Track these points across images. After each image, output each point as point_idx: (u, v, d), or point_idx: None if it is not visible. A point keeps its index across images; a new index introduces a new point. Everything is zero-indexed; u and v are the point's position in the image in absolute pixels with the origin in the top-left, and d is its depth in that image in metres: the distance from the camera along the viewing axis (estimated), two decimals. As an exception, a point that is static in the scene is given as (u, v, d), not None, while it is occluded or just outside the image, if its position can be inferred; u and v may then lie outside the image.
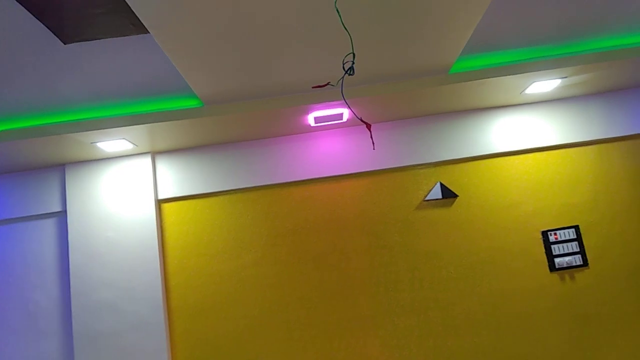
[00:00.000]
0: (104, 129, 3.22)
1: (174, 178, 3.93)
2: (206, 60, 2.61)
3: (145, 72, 2.98)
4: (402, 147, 3.97)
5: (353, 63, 1.82)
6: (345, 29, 1.91)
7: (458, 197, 3.93)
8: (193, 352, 3.70)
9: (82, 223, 3.77)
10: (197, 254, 3.86)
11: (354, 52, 1.89)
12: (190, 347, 3.71)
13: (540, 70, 3.26)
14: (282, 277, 3.83)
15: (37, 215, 3.89)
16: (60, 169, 3.92)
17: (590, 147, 4.01)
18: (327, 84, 1.98)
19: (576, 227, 3.86)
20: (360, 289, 3.81)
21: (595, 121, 3.99)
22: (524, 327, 3.74)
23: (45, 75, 2.87)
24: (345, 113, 3.59)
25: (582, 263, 3.81)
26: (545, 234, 3.86)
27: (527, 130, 3.98)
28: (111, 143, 3.51)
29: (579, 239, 3.85)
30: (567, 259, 3.81)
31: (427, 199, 3.90)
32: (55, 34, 2.52)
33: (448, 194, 3.89)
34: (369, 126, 1.92)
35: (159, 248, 3.76)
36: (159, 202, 3.93)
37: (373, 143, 2.10)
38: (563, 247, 3.84)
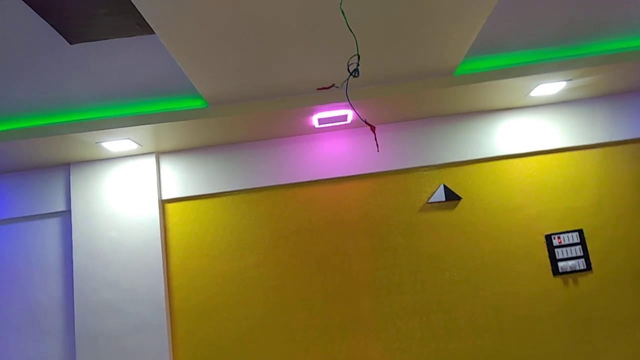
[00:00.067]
0: (108, 129, 3.23)
1: (178, 178, 3.94)
2: (211, 61, 2.62)
3: (150, 73, 2.99)
4: (406, 149, 3.96)
5: (358, 65, 1.82)
6: (350, 30, 1.91)
7: (461, 200, 3.92)
8: (195, 353, 3.70)
9: (86, 223, 3.78)
10: (200, 254, 3.86)
11: (359, 53, 1.89)
12: (192, 348, 3.71)
13: (545, 73, 3.25)
14: (285, 279, 3.83)
15: (41, 214, 3.90)
16: (64, 168, 3.93)
17: (594, 150, 4.00)
18: (332, 85, 1.98)
19: (580, 231, 3.85)
20: (362, 291, 3.80)
21: (600, 124, 3.97)
22: (526, 331, 3.72)
23: (51, 75, 2.88)
24: (350, 114, 3.59)
25: (585, 267, 3.79)
26: (548, 237, 3.84)
27: (531, 133, 3.97)
28: (116, 143, 3.52)
29: (582, 242, 3.83)
30: (570, 262, 3.80)
31: (430, 201, 3.90)
32: (61, 34, 2.53)
33: (451, 197, 3.89)
34: (373, 128, 1.91)
35: (162, 248, 3.76)
36: (163, 202, 3.93)
37: (377, 145, 2.09)
38: (567, 251, 3.82)
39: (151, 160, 3.89)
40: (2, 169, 3.82)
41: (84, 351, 3.58)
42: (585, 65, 3.25)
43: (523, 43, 3.17)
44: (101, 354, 3.57)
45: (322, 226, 3.91)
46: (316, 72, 2.94)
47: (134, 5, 2.17)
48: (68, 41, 2.61)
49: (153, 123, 3.26)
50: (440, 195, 3.89)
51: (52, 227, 3.89)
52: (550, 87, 3.55)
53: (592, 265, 3.80)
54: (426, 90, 3.31)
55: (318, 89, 2.08)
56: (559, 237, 3.84)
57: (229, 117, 3.31)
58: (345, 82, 1.96)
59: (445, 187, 3.91)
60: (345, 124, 3.85)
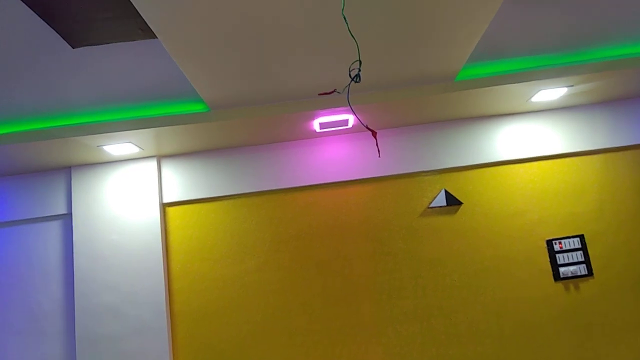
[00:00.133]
0: (110, 132, 3.23)
1: (179, 182, 3.94)
2: (213, 66, 2.63)
3: (152, 77, 3.00)
4: (407, 154, 3.97)
5: (359, 70, 1.82)
6: (352, 36, 1.91)
7: (462, 205, 3.92)
8: (195, 356, 3.70)
9: (87, 226, 3.78)
10: (200, 258, 3.86)
11: (360, 59, 1.90)
12: (192, 352, 3.70)
13: (546, 79, 3.26)
14: (285, 283, 3.82)
15: (43, 217, 3.90)
16: (66, 171, 3.94)
17: (595, 156, 4.00)
18: (333, 91, 1.98)
19: (581, 237, 3.85)
20: (363, 296, 3.79)
21: (601, 130, 3.97)
22: (527, 337, 3.71)
23: (53, 78, 2.89)
24: (351, 119, 3.59)
25: (587, 273, 3.78)
26: (550, 243, 3.84)
27: (532, 139, 3.97)
28: (117, 146, 3.52)
29: (584, 248, 3.83)
30: (571, 268, 3.79)
31: (431, 206, 3.90)
32: (63, 38, 2.54)
33: (452, 202, 3.88)
34: (374, 134, 1.91)
35: (162, 252, 3.76)
36: (164, 206, 3.94)
37: (379, 151, 2.09)
38: (568, 256, 3.82)
39: (152, 164, 3.89)
40: (3, 171, 3.82)
41: (85, 354, 3.57)
42: (586, 71, 3.26)
43: (524, 49, 3.17)
44: (101, 357, 3.57)
45: (322, 230, 3.91)
46: (317, 77, 2.94)
47: (137, 10, 2.18)
48: (70, 45, 2.62)
49: (154, 127, 3.26)
50: (441, 200, 3.89)
51: (53, 230, 3.89)
52: (552, 93, 3.55)
53: (594, 271, 3.80)
54: (427, 96, 3.31)
55: (319, 94, 2.08)
56: (560, 243, 3.84)
57: (230, 121, 3.31)
58: (347, 88, 1.96)
59: (446, 192, 3.91)
60: (346, 129, 3.86)
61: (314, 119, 3.51)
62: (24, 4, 2.23)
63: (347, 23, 1.90)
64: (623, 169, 3.97)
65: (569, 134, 3.98)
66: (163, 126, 3.26)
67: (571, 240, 3.84)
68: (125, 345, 3.58)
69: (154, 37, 2.63)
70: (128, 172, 3.87)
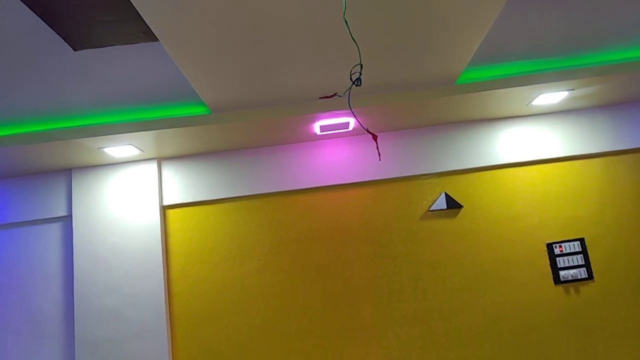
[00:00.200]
0: (111, 134, 3.23)
1: (179, 184, 3.94)
2: (214, 69, 2.63)
3: (153, 79, 3.00)
4: (408, 157, 3.97)
5: (360, 74, 1.82)
6: (354, 39, 1.92)
7: (463, 208, 3.92)
8: (195, 359, 3.69)
9: (87, 228, 3.78)
10: (200, 260, 3.86)
11: (362, 62, 1.90)
12: (192, 354, 3.70)
13: (547, 82, 3.26)
14: (285, 286, 3.82)
15: (43, 219, 3.90)
16: (66, 173, 3.93)
17: (596, 159, 4.00)
18: (334, 94, 1.98)
19: (581, 240, 3.85)
20: (363, 299, 3.79)
21: (602, 134, 3.98)
22: (527, 340, 3.71)
23: (55, 80, 2.89)
24: (352, 122, 3.60)
25: (587, 276, 3.78)
26: (550, 246, 3.84)
27: (533, 142, 3.97)
28: (118, 149, 3.52)
29: (584, 251, 3.83)
30: (572, 271, 3.79)
31: (431, 209, 3.90)
32: (65, 40, 2.55)
33: (453, 205, 3.88)
34: (375, 137, 1.91)
35: (162, 254, 3.76)
36: (164, 208, 3.94)
37: (379, 154, 2.09)
38: (568, 259, 3.81)
39: (153, 166, 3.89)
40: (4, 173, 3.82)
41: (84, 356, 3.57)
42: (587, 75, 3.26)
43: (525, 52, 3.18)
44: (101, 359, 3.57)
45: (322, 233, 3.91)
46: (318, 80, 2.94)
47: (139, 13, 2.19)
48: (72, 47, 2.62)
49: (155, 129, 3.26)
50: (441, 203, 3.89)
51: (54, 232, 3.89)
52: (552, 96, 3.55)
53: (594, 274, 3.80)
54: (428, 99, 3.31)
55: (320, 98, 2.08)
56: (560, 246, 3.84)
57: (231, 123, 3.31)
58: (348, 91, 1.96)
59: (446, 195, 3.91)
60: (347, 132, 3.86)
61: (314, 122, 3.51)
62: (26, 6, 2.23)
63: (348, 27, 1.90)
64: (623, 172, 3.98)
65: (570, 138, 3.98)
66: (164, 128, 3.26)
67: (571, 243, 3.84)
68: (125, 348, 3.58)
69: (156, 40, 2.63)
70: (128, 174, 3.87)
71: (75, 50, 2.65)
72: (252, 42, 2.38)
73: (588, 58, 3.31)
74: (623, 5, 2.85)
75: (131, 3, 2.11)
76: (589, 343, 3.70)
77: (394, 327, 3.74)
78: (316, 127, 3.63)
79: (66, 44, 2.58)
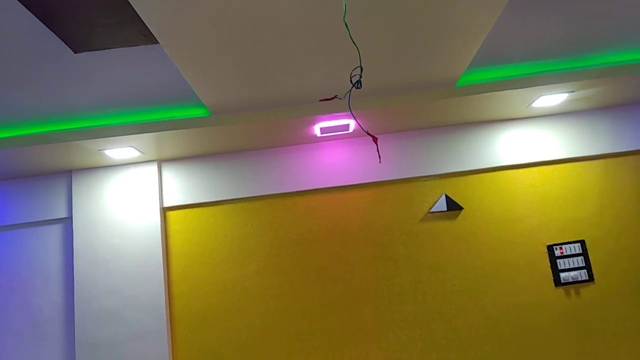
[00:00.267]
0: (111, 136, 3.24)
1: (179, 186, 3.94)
2: (214, 71, 2.63)
3: (153, 82, 3.00)
4: (408, 159, 3.97)
5: (360, 77, 1.82)
6: (354, 42, 1.92)
7: (463, 210, 3.92)
8: (195, 361, 3.70)
9: (87, 230, 3.78)
10: (200, 262, 3.86)
11: (362, 65, 1.90)
12: (192, 356, 3.70)
13: (547, 84, 3.26)
14: (285, 288, 3.82)
15: (43, 221, 3.90)
16: (67, 175, 3.94)
17: (596, 161, 4.00)
18: (334, 97, 1.99)
19: (582, 242, 3.84)
20: (363, 301, 3.79)
21: (602, 136, 3.98)
22: (527, 342, 3.70)
23: (55, 83, 2.90)
24: (352, 124, 3.60)
25: (587, 278, 3.78)
26: (550, 248, 3.84)
27: (533, 144, 3.97)
28: (118, 151, 3.53)
29: (584, 253, 3.82)
30: (572, 273, 3.79)
31: (432, 211, 3.90)
32: (66, 43, 2.55)
33: (453, 207, 3.88)
34: (375, 139, 1.91)
35: (163, 256, 3.76)
36: (164, 210, 3.94)
37: (379, 156, 2.09)
38: (569, 261, 3.81)
39: (153, 168, 3.89)
40: (5, 175, 3.83)
41: (84, 358, 3.57)
42: (587, 77, 3.26)
43: (525, 55, 3.18)
44: (101, 362, 3.57)
45: (323, 235, 3.91)
46: (319, 82, 2.95)
47: (139, 16, 2.19)
48: (73, 50, 2.62)
49: (155, 131, 3.27)
50: (441, 205, 3.89)
51: (54, 233, 3.89)
52: (553, 98, 3.55)
53: (594, 276, 3.79)
54: (428, 101, 3.32)
55: (320, 100, 2.09)
56: (560, 248, 3.83)
57: (231, 125, 3.32)
58: (348, 93, 1.96)
59: (446, 197, 3.91)
60: (347, 134, 3.86)
61: (314, 124, 3.51)
62: (26, 9, 2.24)
63: (348, 29, 1.91)
64: (623, 174, 3.97)
65: (570, 140, 3.98)
66: (164, 130, 3.27)
67: (572, 245, 3.84)
68: (125, 350, 3.58)
69: (156, 42, 2.64)
70: (129, 176, 3.88)
71: (75, 53, 2.65)
72: (252, 44, 2.39)
73: (588, 60, 3.31)
74: (623, 7, 2.85)
75: (131, 5, 2.12)
76: (590, 345, 3.69)
77: (394, 329, 3.73)
78: (316, 129, 3.63)
79: (66, 46, 2.59)
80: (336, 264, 3.85)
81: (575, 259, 3.82)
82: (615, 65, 3.29)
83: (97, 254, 3.74)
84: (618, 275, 3.80)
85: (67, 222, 3.90)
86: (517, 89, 3.27)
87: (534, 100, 3.58)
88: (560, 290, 3.79)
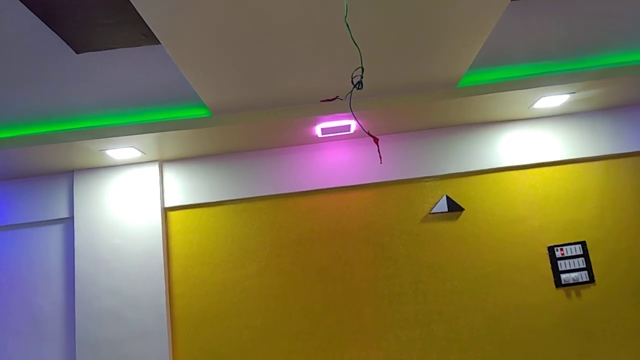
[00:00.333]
0: (113, 137, 3.24)
1: (180, 186, 3.94)
2: (215, 71, 2.64)
3: (155, 82, 3.01)
4: (409, 160, 3.97)
5: (362, 77, 1.82)
6: (355, 43, 1.92)
7: (464, 211, 3.92)
8: (196, 361, 3.70)
9: (88, 230, 3.78)
10: (201, 262, 3.86)
11: (363, 66, 1.90)
12: (192, 356, 3.70)
13: (548, 86, 3.26)
14: (286, 288, 3.82)
15: (45, 221, 3.91)
16: (68, 175, 3.94)
17: (597, 162, 4.00)
18: (336, 98, 1.99)
19: (583, 243, 3.84)
20: (364, 301, 3.79)
21: (603, 137, 3.97)
22: (528, 343, 3.70)
23: (57, 83, 2.90)
24: (353, 124, 3.60)
25: (588, 279, 3.78)
26: (551, 249, 3.83)
27: (534, 145, 3.97)
28: (120, 151, 3.53)
29: (585, 255, 3.82)
30: (573, 275, 3.78)
31: (433, 211, 3.89)
32: (67, 43, 2.55)
33: (454, 207, 3.88)
34: (376, 140, 1.92)
35: (164, 256, 3.76)
36: (165, 210, 3.94)
37: (380, 157, 2.09)
38: (569, 263, 3.81)
39: (154, 168, 3.90)
40: (6, 175, 3.83)
41: (85, 358, 3.57)
42: (588, 78, 3.26)
43: (527, 56, 3.18)
44: (101, 361, 3.57)
45: (324, 235, 3.91)
46: (320, 82, 2.95)
47: (140, 16, 2.20)
48: (74, 50, 2.63)
49: (157, 131, 3.27)
50: (442, 206, 3.89)
51: (55, 233, 3.90)
52: (554, 99, 3.55)
53: (595, 278, 3.79)
54: (430, 102, 3.32)
55: (322, 101, 2.09)
56: (561, 249, 3.83)
57: (232, 126, 3.32)
58: (349, 94, 1.96)
59: (447, 197, 3.91)
60: (348, 134, 3.86)
61: (316, 125, 3.52)
62: (28, 9, 2.24)
63: (349, 30, 1.91)
64: (624, 175, 3.97)
65: (571, 141, 3.97)
66: (165, 131, 3.27)
67: (573, 246, 3.83)
68: (126, 349, 3.58)
69: (157, 42, 2.64)
70: (130, 176, 3.88)
71: (77, 53, 2.66)
72: (254, 44, 2.39)
73: (589, 61, 3.31)
74: (624, 8, 2.85)
75: (132, 5, 2.12)
76: (590, 346, 3.69)
77: (394, 330, 3.73)
78: (317, 130, 3.64)
79: (68, 47, 2.59)
80: (337, 264, 3.85)
81: (575, 260, 3.82)
82: (616, 67, 3.29)
83: (98, 254, 3.74)
84: (618, 277, 3.80)
85: (68, 222, 3.91)
86: (519, 90, 3.27)
87: (535, 102, 3.58)
88: (561, 291, 3.78)
